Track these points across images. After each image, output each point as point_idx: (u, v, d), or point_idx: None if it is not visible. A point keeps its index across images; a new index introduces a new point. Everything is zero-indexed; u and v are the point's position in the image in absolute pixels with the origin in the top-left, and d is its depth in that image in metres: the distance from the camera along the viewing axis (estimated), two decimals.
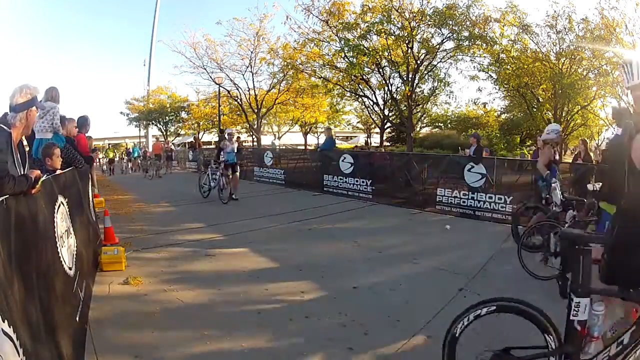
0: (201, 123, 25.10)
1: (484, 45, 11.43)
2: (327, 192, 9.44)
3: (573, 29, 11.91)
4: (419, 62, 12.03)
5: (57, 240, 2.35)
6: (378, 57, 12.18)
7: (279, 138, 27.46)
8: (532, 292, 3.52)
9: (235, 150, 8.84)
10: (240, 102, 17.96)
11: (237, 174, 8.75)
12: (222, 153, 8.71)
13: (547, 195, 4.32)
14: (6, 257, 1.41)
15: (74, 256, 2.83)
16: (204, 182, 8.96)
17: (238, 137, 12.22)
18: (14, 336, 1.27)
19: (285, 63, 14.62)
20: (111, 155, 19.24)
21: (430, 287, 3.63)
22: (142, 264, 4.16)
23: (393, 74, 13.35)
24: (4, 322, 1.21)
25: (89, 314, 2.85)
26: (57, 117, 4.17)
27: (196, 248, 4.81)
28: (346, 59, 12.59)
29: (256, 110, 17.31)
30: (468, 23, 11.15)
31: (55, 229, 2.38)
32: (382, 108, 16.00)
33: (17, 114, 2.14)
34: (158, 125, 28.04)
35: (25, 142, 3.23)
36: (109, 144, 21.66)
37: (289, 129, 26.96)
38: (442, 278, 3.88)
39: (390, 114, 17.18)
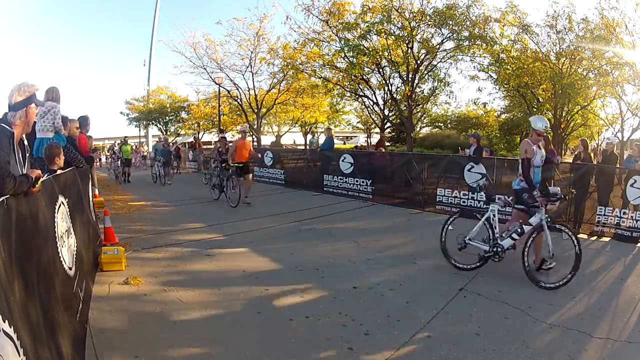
0: (201, 123, 25.12)
1: (484, 45, 11.44)
2: (327, 192, 9.44)
3: (573, 29, 11.94)
4: (419, 62, 12.04)
5: (57, 240, 2.36)
6: (378, 57, 12.19)
7: (280, 137, 27.42)
8: (531, 292, 3.54)
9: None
10: (240, 102, 17.97)
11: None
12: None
13: None
14: (7, 257, 1.41)
15: (74, 256, 2.83)
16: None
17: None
18: (14, 336, 1.27)
19: (285, 63, 14.63)
20: (129, 152, 13.50)
21: (430, 287, 3.63)
22: (142, 264, 4.15)
23: (393, 74, 13.38)
24: (4, 322, 1.21)
25: (89, 314, 2.85)
26: (59, 117, 4.16)
27: (196, 248, 4.80)
28: (346, 59, 12.61)
29: (256, 110, 17.33)
30: (468, 23, 11.16)
31: (56, 229, 2.38)
32: (382, 108, 16.03)
33: (17, 112, 2.15)
34: (158, 125, 28.06)
35: (26, 142, 3.22)
36: (124, 137, 14.54)
37: (289, 129, 26.96)
38: (442, 278, 3.88)
39: (390, 114, 17.22)
